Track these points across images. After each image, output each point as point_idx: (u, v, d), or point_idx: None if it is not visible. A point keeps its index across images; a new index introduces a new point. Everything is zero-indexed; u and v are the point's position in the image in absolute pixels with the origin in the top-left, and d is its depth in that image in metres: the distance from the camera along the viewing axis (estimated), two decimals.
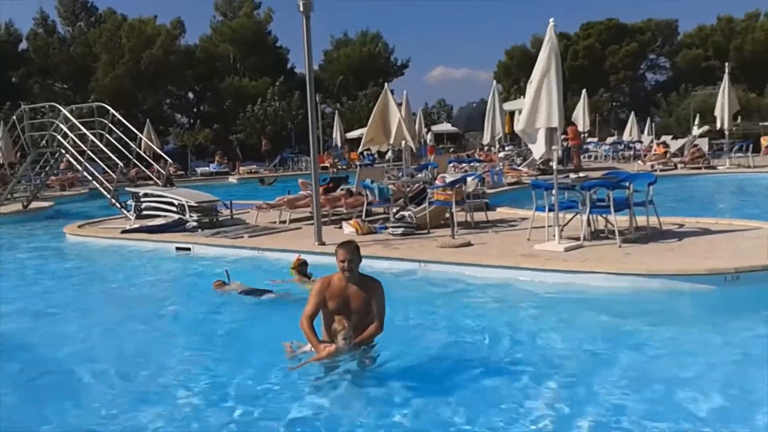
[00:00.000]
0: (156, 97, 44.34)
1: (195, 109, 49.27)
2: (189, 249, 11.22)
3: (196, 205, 13.02)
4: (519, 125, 9.66)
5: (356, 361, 5.36)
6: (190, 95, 49.33)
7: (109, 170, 16.53)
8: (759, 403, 4.75)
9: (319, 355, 5.28)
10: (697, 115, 34.67)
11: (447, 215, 11.32)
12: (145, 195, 14.21)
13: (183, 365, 6.02)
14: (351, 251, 5.46)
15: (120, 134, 17.61)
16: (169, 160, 19.49)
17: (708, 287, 7.17)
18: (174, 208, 13.23)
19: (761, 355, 5.63)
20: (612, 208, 9.21)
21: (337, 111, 39.17)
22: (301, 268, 8.59)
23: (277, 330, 6.44)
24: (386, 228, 11.28)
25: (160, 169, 18.90)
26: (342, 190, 13.98)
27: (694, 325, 6.39)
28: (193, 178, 30.10)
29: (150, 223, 12.98)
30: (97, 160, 16.79)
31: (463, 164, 20.39)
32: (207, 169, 32.16)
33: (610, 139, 35.17)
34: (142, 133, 24.63)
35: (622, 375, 5.29)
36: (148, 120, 32.12)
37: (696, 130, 32.34)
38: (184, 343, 6.79)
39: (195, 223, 12.65)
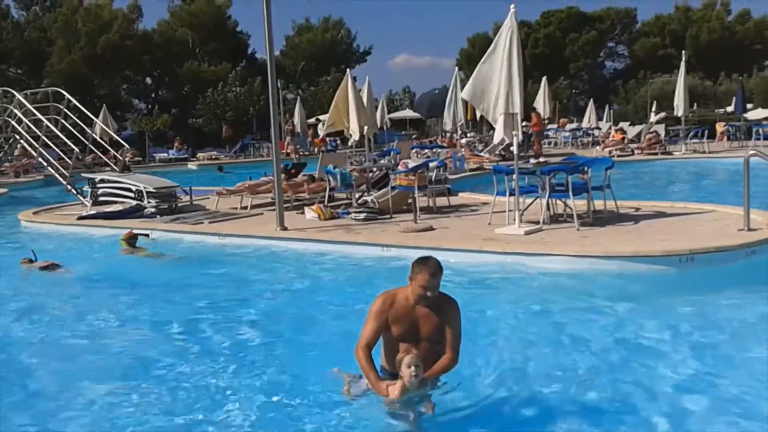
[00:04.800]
0: (113, 83, 43.40)
1: (153, 95, 48.37)
2: (147, 235, 11.06)
3: (154, 191, 12.81)
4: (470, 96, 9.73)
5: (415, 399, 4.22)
6: (148, 80, 48.39)
7: (64, 156, 16.18)
8: (710, 374, 4.94)
9: (380, 393, 4.17)
10: (654, 102, 35.29)
11: (409, 200, 11.35)
12: (102, 181, 13.91)
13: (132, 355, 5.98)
14: (437, 274, 4.27)
15: (76, 120, 17.22)
16: (126, 146, 19.12)
17: (663, 268, 7.33)
18: (131, 194, 12.99)
19: (711, 330, 5.82)
20: (570, 193, 9.35)
21: (299, 97, 38.85)
22: (131, 240, 9.70)
23: None
24: (349, 213, 11.27)
25: (117, 154, 18.55)
26: (304, 176, 13.91)
27: (649, 304, 6.55)
28: (152, 164, 29.62)
29: (107, 210, 12.76)
30: (52, 146, 16.41)
31: (426, 150, 20.47)
32: (166, 155, 31.68)
33: (569, 126, 35.60)
34: (98, 118, 24.17)
35: (582, 352, 5.43)
36: (104, 105, 31.49)
37: (653, 117, 32.93)
38: (142, 328, 6.74)
39: (153, 209, 12.46)
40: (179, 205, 13.20)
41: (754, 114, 32.18)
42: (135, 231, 10.29)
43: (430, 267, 4.25)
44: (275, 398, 4.79)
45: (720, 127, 29.45)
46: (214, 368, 5.43)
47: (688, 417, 4.35)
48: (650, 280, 7.21)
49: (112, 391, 5.05)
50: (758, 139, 25.37)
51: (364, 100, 15.68)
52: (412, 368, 4.07)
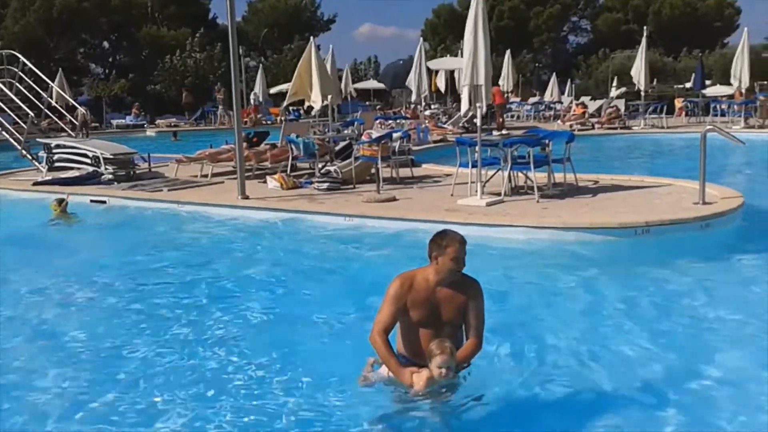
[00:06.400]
0: (69, 46, 42.13)
1: (110, 59, 47.13)
2: (104, 201, 10.89)
3: (111, 157, 12.58)
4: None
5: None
6: (106, 44, 47.11)
7: (19, 121, 15.75)
8: (657, 339, 5.15)
9: (404, 382, 3.90)
10: (615, 78, 35.64)
11: (372, 171, 11.34)
12: (58, 146, 13.60)
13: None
14: (465, 242, 4.05)
15: (31, 84, 16.72)
16: (83, 111, 18.65)
17: (620, 239, 7.49)
18: (88, 160, 12.73)
19: (661, 299, 6.02)
20: (532, 165, 9.45)
21: (261, 65, 38.25)
22: (60, 205, 9.98)
23: None
24: (311, 183, 11.22)
25: (73, 119, 18.09)
26: (266, 144, 13.79)
27: (604, 273, 6.72)
28: (109, 130, 28.99)
29: (63, 176, 12.51)
30: (6, 110, 15.94)
31: (389, 121, 20.40)
32: (123, 121, 31.02)
33: (532, 100, 35.81)
34: (54, 83, 23.49)
35: (537, 319, 5.59)
36: (60, 69, 30.57)
37: (614, 92, 33.29)
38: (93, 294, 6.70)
39: (111, 176, 12.25)
40: (137, 172, 13.00)
41: (712, 90, 32.72)
42: (92, 198, 10.20)
43: (458, 238, 4.01)
44: (223, 367, 4.82)
45: (678, 102, 29.93)
46: (155, 342, 5.36)
47: (632, 378, 4.52)
48: (607, 250, 7.36)
49: None
50: (716, 115, 25.83)
51: (328, 69, 15.52)
52: (443, 370, 3.82)
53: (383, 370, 4.06)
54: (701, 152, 8.53)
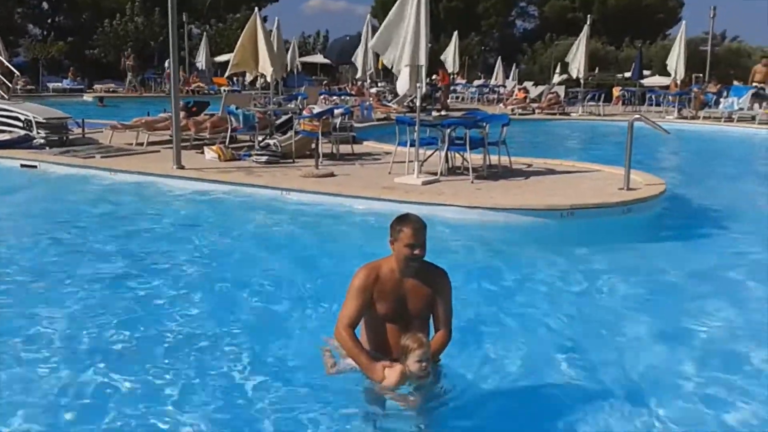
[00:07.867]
0: (6, 5, 40.40)
1: (49, 21, 45.42)
2: (35, 166, 10.64)
3: (44, 121, 12.26)
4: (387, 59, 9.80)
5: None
6: (45, 5, 45.35)
7: None
8: (566, 316, 5.39)
9: (375, 377, 3.66)
10: (559, 64, 36.28)
11: (312, 146, 11.36)
12: None
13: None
14: (422, 229, 3.79)
15: None
16: (17, 73, 18.03)
17: (545, 221, 7.76)
18: (20, 124, 12.39)
19: (579, 280, 6.28)
20: (468, 146, 9.65)
21: (205, 33, 37.47)
22: None
23: None
24: (250, 155, 11.18)
25: (6, 81, 17.46)
26: (205, 115, 13.63)
27: (527, 254, 6.98)
28: (45, 93, 28.12)
29: None
30: None
31: (334, 97, 20.39)
32: (60, 84, 30.16)
33: (477, 82, 36.18)
34: None
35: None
36: None
37: (556, 78, 33.91)
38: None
39: (43, 140, 11.95)
40: (71, 137, 12.71)
41: (650, 81, 33.67)
42: (22, 162, 9.93)
43: (413, 221, 3.79)
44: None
45: (616, 91, 30.72)
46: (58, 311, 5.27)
47: (544, 355, 4.72)
48: (532, 231, 7.61)
49: None
50: (651, 104, 26.59)
51: (273, 41, 15.36)
52: (423, 363, 3.60)
53: (348, 362, 3.86)
54: (628, 140, 8.86)
